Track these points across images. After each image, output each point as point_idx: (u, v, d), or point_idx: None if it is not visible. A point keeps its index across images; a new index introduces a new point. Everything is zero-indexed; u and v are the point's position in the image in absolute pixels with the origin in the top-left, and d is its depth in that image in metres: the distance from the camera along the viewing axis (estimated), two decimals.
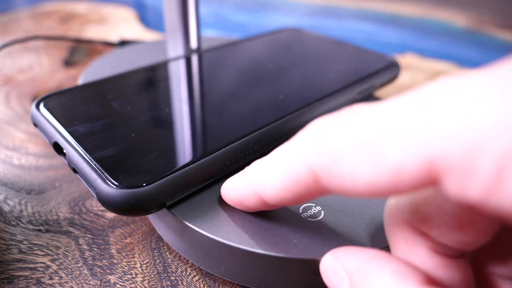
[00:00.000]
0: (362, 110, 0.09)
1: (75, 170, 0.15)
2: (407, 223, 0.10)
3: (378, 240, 0.14)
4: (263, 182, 0.11)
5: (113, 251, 0.16)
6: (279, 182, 0.11)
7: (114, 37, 0.39)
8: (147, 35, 0.41)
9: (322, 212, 0.15)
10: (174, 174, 0.14)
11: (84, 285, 0.15)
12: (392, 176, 0.08)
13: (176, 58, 0.24)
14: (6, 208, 0.18)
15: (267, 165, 0.11)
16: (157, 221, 0.16)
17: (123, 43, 0.32)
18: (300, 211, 0.15)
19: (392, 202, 0.11)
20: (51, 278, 0.15)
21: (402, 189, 0.08)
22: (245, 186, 0.12)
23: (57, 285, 0.15)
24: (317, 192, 0.10)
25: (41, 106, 0.17)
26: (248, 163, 0.17)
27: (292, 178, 0.10)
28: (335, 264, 0.10)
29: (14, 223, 0.17)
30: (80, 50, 0.36)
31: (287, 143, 0.11)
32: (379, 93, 0.30)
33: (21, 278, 0.15)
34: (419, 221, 0.10)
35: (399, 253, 0.10)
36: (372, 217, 0.14)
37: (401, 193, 0.08)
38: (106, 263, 0.15)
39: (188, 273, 0.15)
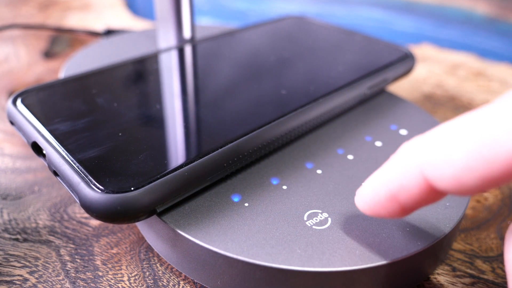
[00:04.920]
0: None
1: (56, 173, 0.15)
2: None
3: (391, 251, 0.14)
4: (440, 158, 0.10)
5: (98, 262, 0.16)
6: (473, 161, 0.09)
7: (99, 26, 0.39)
8: (135, 23, 0.41)
9: (329, 219, 0.15)
10: (165, 177, 0.14)
11: None
12: None
13: (168, 49, 0.24)
14: None
15: (451, 136, 0.10)
16: (147, 230, 0.16)
17: (109, 32, 0.32)
18: (305, 218, 0.15)
19: None
20: None
21: None
22: (406, 170, 0.11)
23: None
24: None
25: (18, 102, 0.17)
26: (248, 165, 0.17)
27: (500, 157, 0.09)
28: None
29: None
30: (61, 40, 0.36)
31: (482, 114, 0.10)
32: (392, 87, 0.30)
33: None
34: None
35: None
36: (383, 226, 0.14)
37: None
38: (90, 276, 0.16)
39: (181, 287, 0.15)
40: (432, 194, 0.11)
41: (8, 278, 0.15)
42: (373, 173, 0.12)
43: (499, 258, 0.17)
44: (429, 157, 0.10)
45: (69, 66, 0.25)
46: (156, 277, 0.16)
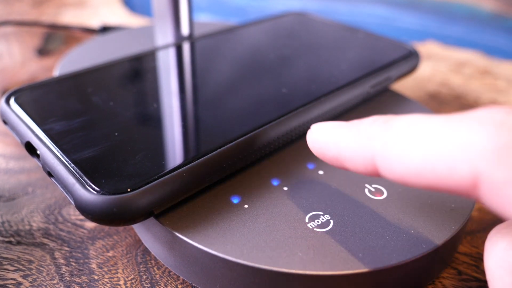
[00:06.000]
0: None
1: (50, 174, 0.15)
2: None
3: (395, 254, 0.14)
4: (392, 154, 0.11)
5: (94, 265, 0.16)
6: (419, 166, 0.10)
7: (95, 23, 0.39)
8: (132, 20, 0.41)
9: (331, 221, 0.15)
10: (163, 178, 0.14)
11: None
12: None
13: (165, 47, 0.24)
14: None
15: (407, 136, 0.11)
16: (144, 232, 0.16)
17: (104, 29, 0.32)
18: (307, 220, 0.15)
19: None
20: None
21: None
22: (359, 148, 0.12)
23: None
24: (465, 194, 0.10)
25: (12, 101, 0.17)
26: (247, 166, 0.17)
27: (441, 171, 0.10)
28: None
29: None
30: (56, 37, 0.36)
31: (451, 123, 0.10)
32: (396, 86, 0.30)
33: None
34: None
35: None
36: (386, 228, 0.14)
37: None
38: (86, 280, 0.16)
39: None
40: (374, 173, 0.12)
41: (1, 282, 0.15)
42: (334, 122, 0.13)
43: None
44: (386, 152, 0.11)
45: (64, 64, 0.25)
46: (153, 281, 0.16)
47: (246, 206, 0.15)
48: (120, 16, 0.41)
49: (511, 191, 0.09)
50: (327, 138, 0.13)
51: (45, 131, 0.16)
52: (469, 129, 0.10)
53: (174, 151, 0.16)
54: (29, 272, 0.16)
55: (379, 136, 0.11)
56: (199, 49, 0.24)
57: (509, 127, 0.09)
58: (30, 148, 0.16)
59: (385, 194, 0.16)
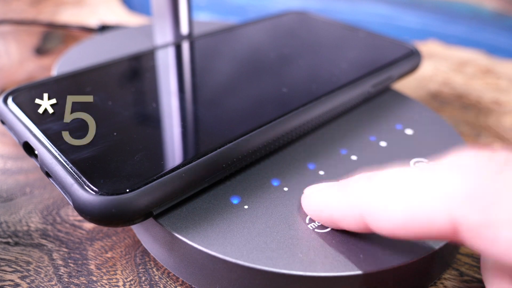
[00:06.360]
0: None
1: (48, 174, 0.15)
2: (504, 271, 0.12)
3: (396, 255, 0.14)
4: (377, 212, 0.12)
5: (92, 267, 0.16)
6: (402, 220, 0.11)
7: (93, 21, 0.39)
8: (131, 19, 0.41)
9: None
10: (162, 178, 0.14)
11: None
12: None
13: (164, 46, 0.24)
14: None
15: (387, 193, 0.11)
16: (143, 233, 0.16)
17: (103, 28, 0.32)
18: (307, 221, 0.15)
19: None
20: None
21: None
22: (348, 208, 0.13)
23: None
24: (449, 239, 0.11)
25: (9, 100, 0.17)
26: (247, 166, 0.17)
27: (423, 222, 0.11)
28: None
29: None
30: (54, 36, 0.36)
31: (425, 175, 0.11)
32: (398, 85, 0.30)
33: None
34: None
35: None
36: None
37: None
38: (84, 281, 0.16)
39: None
40: (367, 230, 0.12)
41: None
42: (324, 184, 0.14)
43: None
44: (371, 209, 0.12)
45: (62, 63, 0.25)
46: (152, 282, 0.16)
47: (246, 206, 0.15)
48: (118, 15, 0.41)
49: (488, 233, 0.09)
50: (319, 202, 0.14)
51: (43, 131, 0.16)
52: (439, 178, 0.10)
53: (173, 151, 0.16)
54: (27, 273, 0.16)
55: (364, 195, 0.12)
56: (199, 48, 0.24)
57: (474, 171, 0.10)
58: (28, 148, 0.16)
59: None
